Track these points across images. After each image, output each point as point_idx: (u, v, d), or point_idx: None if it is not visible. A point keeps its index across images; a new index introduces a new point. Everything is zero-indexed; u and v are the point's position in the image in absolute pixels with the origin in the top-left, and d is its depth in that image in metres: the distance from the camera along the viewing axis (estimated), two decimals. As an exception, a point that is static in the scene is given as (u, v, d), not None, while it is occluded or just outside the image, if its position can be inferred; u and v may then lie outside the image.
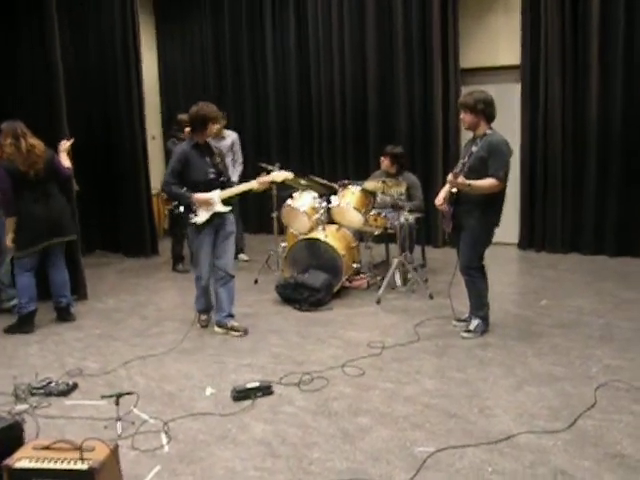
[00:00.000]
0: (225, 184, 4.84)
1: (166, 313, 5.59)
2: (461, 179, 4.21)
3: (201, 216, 4.73)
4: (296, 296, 5.57)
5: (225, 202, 4.80)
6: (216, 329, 4.99)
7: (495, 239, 4.63)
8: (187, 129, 6.57)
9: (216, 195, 4.75)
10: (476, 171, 4.32)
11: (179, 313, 5.54)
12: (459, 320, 4.93)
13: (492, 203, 4.45)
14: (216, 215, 4.77)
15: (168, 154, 6.81)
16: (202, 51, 9.32)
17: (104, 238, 8.22)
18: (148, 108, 8.34)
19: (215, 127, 4.72)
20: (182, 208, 4.74)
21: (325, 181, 6.40)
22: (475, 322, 4.72)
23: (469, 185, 4.24)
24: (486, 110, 4.39)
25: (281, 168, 5.37)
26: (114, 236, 8.15)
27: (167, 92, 9.65)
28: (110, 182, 7.99)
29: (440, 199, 4.54)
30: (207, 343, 4.79)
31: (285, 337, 4.86)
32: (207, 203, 4.70)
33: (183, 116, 6.55)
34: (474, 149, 4.41)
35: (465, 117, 4.46)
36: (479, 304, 4.71)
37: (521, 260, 7.32)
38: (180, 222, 6.68)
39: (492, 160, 4.30)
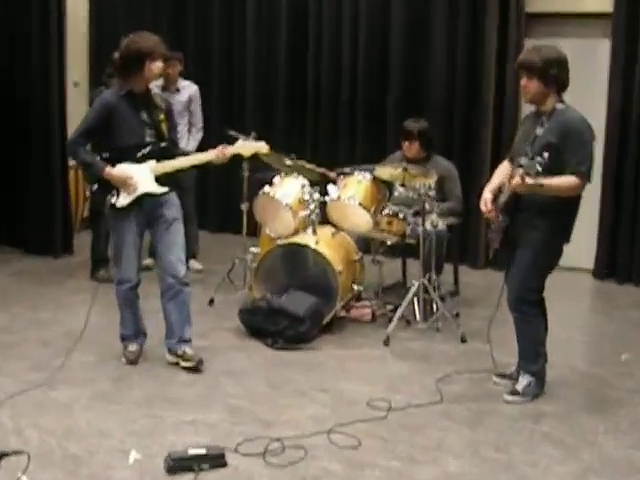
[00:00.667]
0: (168, 151, 4.88)
1: (78, 338, 5.36)
2: (530, 179, 4.18)
3: (122, 198, 4.79)
4: (268, 326, 5.56)
5: (162, 180, 4.84)
6: (167, 357, 5.11)
7: (561, 262, 4.64)
8: None
9: (147, 169, 4.80)
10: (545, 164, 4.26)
11: (98, 339, 5.45)
12: (502, 376, 4.91)
13: (564, 210, 4.44)
14: (146, 198, 4.83)
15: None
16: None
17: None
18: (71, 45, 8.24)
19: (155, 66, 4.76)
20: (95, 185, 4.83)
21: (317, 167, 6.38)
22: (525, 380, 4.70)
23: (541, 186, 4.21)
24: (559, 75, 4.37)
25: (258, 139, 5.34)
26: (10, 225, 8.09)
27: (99, 25, 9.53)
28: (9, 147, 7.91)
29: (488, 203, 4.52)
30: (136, 385, 4.75)
31: (248, 385, 4.83)
32: (125, 183, 4.74)
33: None
34: (539, 132, 4.39)
35: (529, 85, 4.44)
36: (533, 354, 4.70)
37: (596, 294, 7.29)
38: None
39: (571, 150, 4.30)
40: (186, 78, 7.40)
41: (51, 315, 6.09)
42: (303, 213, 6.06)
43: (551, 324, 4.79)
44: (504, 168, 4.74)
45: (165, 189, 4.88)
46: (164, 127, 4.88)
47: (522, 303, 4.61)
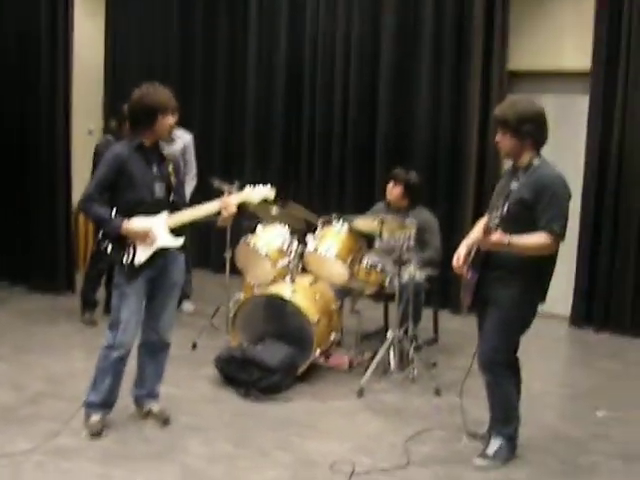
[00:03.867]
0: (177, 206, 4.42)
1: (55, 385, 5.04)
2: (497, 236, 3.79)
3: (139, 254, 4.25)
4: (242, 376, 5.10)
5: (175, 232, 4.37)
6: (134, 406, 4.68)
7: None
8: None
9: (161, 222, 4.30)
10: (516, 220, 3.90)
11: (75, 387, 4.88)
12: (474, 436, 4.44)
13: (538, 270, 4.01)
14: (160, 254, 4.31)
15: (97, 157, 6.40)
16: (165, 20, 9.10)
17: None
18: (86, 94, 8.16)
19: (168, 121, 4.32)
20: (107, 243, 4.28)
21: (307, 212, 5.97)
22: (496, 443, 4.18)
23: (508, 244, 3.80)
24: (536, 132, 3.97)
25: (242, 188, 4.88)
26: (17, 263, 7.81)
27: (114, 74, 9.39)
28: (19, 189, 7.69)
29: (460, 257, 4.13)
30: (95, 440, 4.24)
31: (212, 443, 4.32)
32: (145, 237, 4.23)
33: None
34: (514, 186, 3.99)
35: (503, 140, 4.03)
36: (505, 417, 4.21)
37: (572, 343, 6.97)
38: (103, 258, 6.37)
39: (543, 206, 3.89)
40: (184, 126, 6.82)
41: (35, 357, 5.58)
42: (282, 262, 5.68)
43: (525, 375, 4.31)
44: (482, 223, 4.33)
45: (181, 240, 4.38)
46: (174, 181, 4.44)
47: (492, 364, 4.14)
